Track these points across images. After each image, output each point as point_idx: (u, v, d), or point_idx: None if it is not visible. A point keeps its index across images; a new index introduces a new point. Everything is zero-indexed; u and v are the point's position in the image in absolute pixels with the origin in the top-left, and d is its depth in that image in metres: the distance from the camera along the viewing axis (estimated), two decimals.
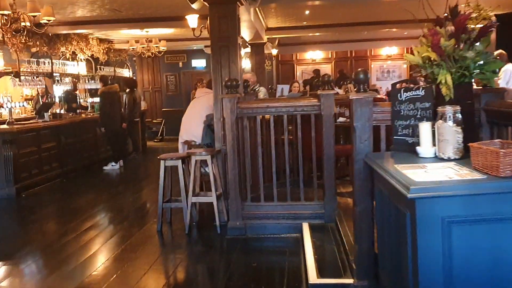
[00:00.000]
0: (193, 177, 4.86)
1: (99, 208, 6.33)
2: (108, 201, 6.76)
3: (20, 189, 6.96)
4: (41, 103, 9.07)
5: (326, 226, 4.45)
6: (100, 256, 4.35)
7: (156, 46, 10.49)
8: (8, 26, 5.19)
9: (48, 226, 5.73)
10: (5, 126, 7.29)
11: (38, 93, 9.19)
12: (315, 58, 15.21)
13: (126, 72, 13.75)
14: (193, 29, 7.33)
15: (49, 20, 5.45)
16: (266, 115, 5.04)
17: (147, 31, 10.11)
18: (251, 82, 6.86)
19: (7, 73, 8.71)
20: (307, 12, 8.69)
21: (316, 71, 13.22)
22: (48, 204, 6.74)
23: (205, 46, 12.91)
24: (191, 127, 5.72)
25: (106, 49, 11.28)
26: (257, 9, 8.09)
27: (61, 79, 10.44)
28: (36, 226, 5.62)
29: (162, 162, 4.98)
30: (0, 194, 6.77)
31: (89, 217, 5.76)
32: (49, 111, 8.84)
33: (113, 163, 9.06)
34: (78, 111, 9.96)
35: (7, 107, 7.59)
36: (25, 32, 5.83)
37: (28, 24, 5.41)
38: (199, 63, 14.75)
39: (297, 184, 4.73)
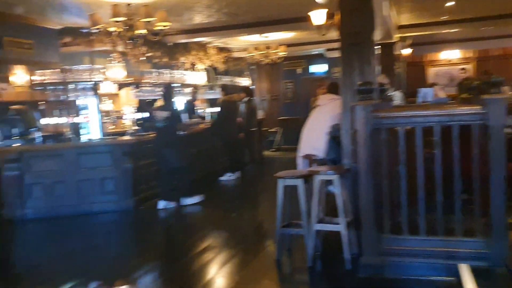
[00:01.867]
0: (317, 201, 4.11)
1: (214, 226, 5.90)
2: (223, 218, 6.32)
3: (138, 202, 6.83)
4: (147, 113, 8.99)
5: (494, 271, 3.36)
6: None
7: (275, 52, 9.99)
8: (122, 34, 4.97)
9: (162, 245, 5.42)
10: (127, 137, 7.25)
11: (140, 104, 9.08)
12: (451, 58, 13.46)
13: (244, 81, 13.52)
14: (318, 27, 6.47)
15: (164, 26, 5.14)
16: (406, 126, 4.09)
17: (266, 37, 9.68)
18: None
19: (127, 84, 8.81)
20: (450, 3, 7.39)
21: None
22: (164, 218, 6.47)
23: (327, 50, 12.14)
24: (312, 138, 4.98)
25: (225, 58, 11.08)
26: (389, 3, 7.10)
27: (180, 89, 10.44)
28: (151, 244, 5.35)
29: (280, 181, 4.27)
30: (120, 206, 6.67)
31: (204, 236, 5.38)
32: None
33: (230, 174, 8.75)
34: (196, 121, 9.84)
35: (126, 118, 7.53)
36: (142, 41, 5.61)
37: (143, 31, 5.15)
38: (318, 69, 14.04)
39: (448, 210, 3.68)
